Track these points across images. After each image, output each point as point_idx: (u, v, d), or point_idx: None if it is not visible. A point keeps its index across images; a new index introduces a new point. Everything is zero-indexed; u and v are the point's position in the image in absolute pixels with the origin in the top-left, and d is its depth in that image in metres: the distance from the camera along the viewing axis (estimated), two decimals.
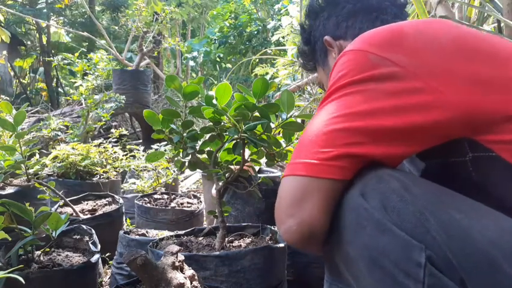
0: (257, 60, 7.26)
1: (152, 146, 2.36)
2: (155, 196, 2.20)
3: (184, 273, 0.96)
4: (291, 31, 4.38)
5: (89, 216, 1.87)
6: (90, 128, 3.10)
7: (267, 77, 3.65)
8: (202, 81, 1.17)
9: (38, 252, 1.33)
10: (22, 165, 1.65)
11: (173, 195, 2.24)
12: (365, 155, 0.64)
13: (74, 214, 1.85)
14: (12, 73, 9.28)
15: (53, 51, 8.86)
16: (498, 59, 0.66)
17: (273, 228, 1.37)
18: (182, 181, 3.48)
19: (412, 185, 0.63)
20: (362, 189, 0.64)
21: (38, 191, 1.84)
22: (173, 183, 2.63)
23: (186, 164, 1.26)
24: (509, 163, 0.62)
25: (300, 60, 1.16)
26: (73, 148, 2.38)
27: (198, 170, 1.29)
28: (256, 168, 1.70)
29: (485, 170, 0.64)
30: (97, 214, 1.91)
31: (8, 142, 1.91)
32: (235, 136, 1.12)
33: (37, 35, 9.39)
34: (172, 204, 2.11)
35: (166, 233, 1.46)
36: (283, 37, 4.63)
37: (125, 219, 2.04)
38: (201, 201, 2.20)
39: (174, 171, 2.48)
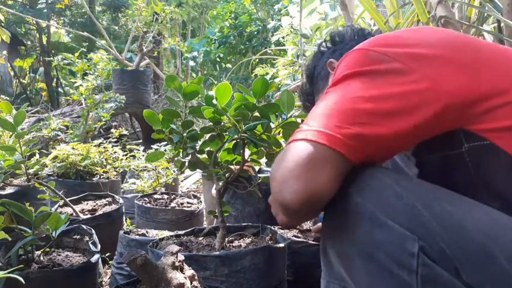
0: (257, 60, 7.26)
1: (152, 146, 2.36)
2: (155, 196, 2.20)
3: (184, 273, 0.96)
4: (291, 31, 4.38)
5: (89, 216, 1.87)
6: (90, 128, 3.10)
7: (267, 77, 3.65)
8: (202, 81, 1.17)
9: (38, 252, 1.33)
10: (22, 165, 1.65)
11: (173, 195, 2.24)
12: (375, 135, 0.66)
13: (74, 214, 1.85)
14: (12, 73, 9.28)
15: (53, 51, 8.86)
16: (483, 50, 0.71)
17: (273, 228, 1.37)
18: (182, 181, 3.48)
19: (404, 181, 0.66)
20: (355, 187, 0.66)
21: (38, 191, 1.84)
22: (173, 183, 2.63)
23: (186, 164, 1.26)
24: (503, 150, 0.65)
25: (301, 98, 1.21)
26: (73, 148, 2.38)
27: (197, 170, 1.29)
28: (256, 168, 1.70)
29: (481, 159, 0.67)
30: (97, 214, 1.91)
31: (8, 142, 1.91)
32: (235, 136, 1.12)
33: (37, 35, 9.39)
34: (172, 204, 2.11)
35: (166, 233, 1.46)
36: (283, 37, 4.63)
37: (125, 219, 2.04)
38: (201, 201, 2.20)
39: (174, 171, 2.48)
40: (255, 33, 8.70)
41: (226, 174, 1.25)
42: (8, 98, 5.33)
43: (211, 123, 1.16)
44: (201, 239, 1.31)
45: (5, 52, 4.83)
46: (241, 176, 1.25)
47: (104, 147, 2.52)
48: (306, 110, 1.19)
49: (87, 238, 1.52)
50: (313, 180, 0.63)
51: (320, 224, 1.45)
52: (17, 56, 9.40)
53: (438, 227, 0.60)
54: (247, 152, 1.22)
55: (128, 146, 2.72)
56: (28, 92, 9.07)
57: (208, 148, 1.25)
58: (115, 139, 2.89)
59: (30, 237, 1.22)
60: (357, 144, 0.65)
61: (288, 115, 1.10)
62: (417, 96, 0.65)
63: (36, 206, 1.36)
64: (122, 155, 2.57)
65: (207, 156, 1.26)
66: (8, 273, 0.91)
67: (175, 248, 0.98)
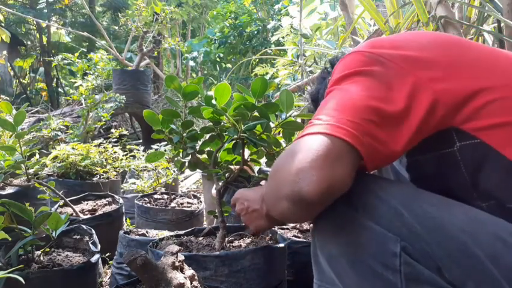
0: (257, 60, 7.26)
1: (152, 146, 2.36)
2: (155, 196, 2.20)
3: (184, 273, 0.96)
4: (291, 31, 4.38)
5: (89, 216, 1.87)
6: (90, 128, 3.10)
7: (267, 77, 3.65)
8: (201, 81, 1.17)
9: (38, 252, 1.33)
10: (22, 165, 1.65)
11: (173, 195, 2.24)
12: (383, 139, 0.66)
13: (74, 214, 1.85)
14: (12, 73, 9.28)
15: (53, 51, 8.86)
16: (470, 51, 0.74)
17: (273, 228, 1.37)
18: (182, 181, 3.48)
19: (387, 185, 0.69)
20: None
21: (38, 191, 1.84)
22: (173, 183, 2.63)
23: (186, 164, 1.26)
24: (493, 148, 0.66)
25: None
26: (73, 148, 2.38)
27: (197, 170, 1.29)
28: (256, 168, 1.70)
29: (472, 158, 0.68)
30: (97, 214, 1.91)
31: (8, 142, 1.91)
32: (235, 136, 1.12)
33: (37, 35, 9.39)
34: (172, 204, 2.11)
35: (166, 233, 1.46)
36: (283, 37, 4.63)
37: (125, 219, 2.04)
38: (201, 201, 2.20)
39: (174, 171, 2.48)
40: (255, 33, 8.70)
41: (226, 174, 1.25)
42: (8, 98, 5.33)
43: (211, 123, 1.16)
44: (201, 239, 1.31)
45: (5, 52, 4.83)
46: (241, 176, 1.25)
47: (104, 147, 2.52)
48: None
49: (87, 238, 1.52)
50: (333, 172, 0.62)
51: None
52: (17, 56, 9.40)
53: (420, 228, 0.62)
54: (247, 152, 1.22)
55: (128, 146, 2.72)
56: (28, 92, 9.07)
57: (208, 148, 1.25)
58: (115, 139, 2.89)
59: (30, 237, 1.22)
60: (368, 141, 0.65)
61: (288, 115, 1.10)
62: (411, 97, 0.67)
63: (36, 206, 1.36)
64: (122, 155, 2.57)
65: (206, 156, 1.26)
66: (8, 273, 0.91)
67: (175, 248, 0.98)
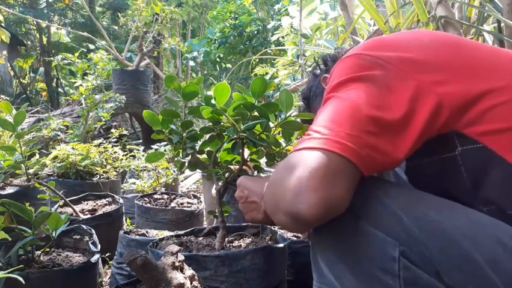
0: (257, 60, 7.26)
1: (152, 146, 2.36)
2: (155, 196, 2.20)
3: (184, 273, 0.96)
4: (291, 31, 4.38)
5: (89, 216, 1.87)
6: (90, 128, 3.10)
7: (267, 77, 3.65)
8: (201, 81, 1.17)
9: (38, 252, 1.33)
10: (22, 165, 1.65)
11: (173, 195, 2.24)
12: (383, 149, 0.65)
13: (74, 214, 1.85)
14: (12, 73, 9.28)
15: (53, 51, 8.87)
16: (472, 52, 0.72)
17: (273, 228, 1.37)
18: (182, 181, 3.48)
19: (386, 189, 0.68)
20: None
21: (38, 191, 1.84)
22: (173, 183, 2.63)
23: (186, 164, 1.26)
24: (495, 153, 0.65)
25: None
26: (73, 148, 2.38)
27: (197, 170, 1.29)
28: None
29: (474, 163, 0.67)
30: (97, 214, 1.91)
31: (8, 142, 1.91)
32: (234, 136, 1.12)
33: (37, 35, 9.40)
34: (172, 204, 2.11)
35: (166, 233, 1.46)
36: (283, 37, 4.63)
37: (125, 219, 2.04)
38: (201, 201, 2.20)
39: (174, 171, 2.48)
40: (255, 33, 8.70)
41: (226, 174, 1.25)
42: (8, 98, 5.33)
43: (210, 124, 1.16)
44: (201, 239, 1.31)
45: (5, 52, 4.83)
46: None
47: (104, 147, 2.52)
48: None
49: (87, 238, 1.52)
50: (332, 192, 0.61)
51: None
52: (17, 56, 9.41)
53: (418, 232, 0.61)
54: (246, 152, 1.22)
55: (128, 146, 2.72)
56: (28, 92, 9.07)
57: (207, 148, 1.25)
58: (115, 139, 2.89)
59: (30, 237, 1.22)
60: (367, 153, 0.64)
61: (287, 114, 1.10)
62: (413, 101, 0.65)
63: (36, 206, 1.36)
64: (122, 155, 2.57)
65: (206, 156, 1.26)
66: (8, 273, 0.91)
67: (175, 248, 0.98)
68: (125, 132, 3.10)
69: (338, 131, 0.64)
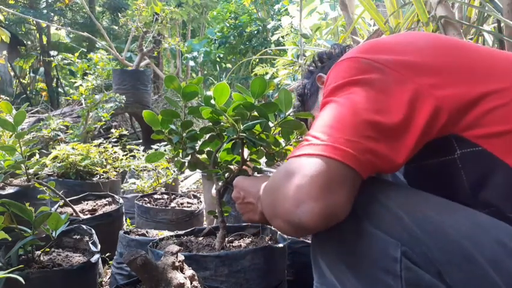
0: (257, 60, 7.26)
1: (152, 146, 2.36)
2: (155, 196, 2.20)
3: (184, 273, 0.96)
4: (291, 31, 4.38)
5: (89, 216, 1.87)
6: (90, 128, 3.10)
7: (267, 77, 3.65)
8: (201, 81, 1.17)
9: (38, 252, 1.33)
10: (22, 165, 1.65)
11: (173, 195, 2.24)
12: (383, 153, 0.64)
13: (74, 214, 1.85)
14: (12, 73, 9.28)
15: (53, 56, 8.87)
16: (470, 54, 0.72)
17: (273, 228, 1.37)
18: (182, 181, 3.48)
19: (387, 190, 0.67)
20: None
21: (38, 191, 1.84)
22: (173, 183, 2.63)
23: (186, 164, 1.26)
24: (495, 156, 0.65)
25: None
26: (73, 148, 2.38)
27: (197, 170, 1.29)
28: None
29: (473, 166, 0.67)
30: (97, 214, 1.91)
31: (8, 142, 1.91)
32: (234, 136, 1.12)
33: (37, 35, 9.40)
34: (172, 204, 2.11)
35: (166, 233, 1.46)
36: (283, 37, 4.63)
37: (125, 219, 2.04)
38: (201, 201, 2.20)
39: (174, 171, 2.48)
40: (255, 33, 8.70)
41: (226, 174, 1.25)
42: (8, 98, 5.32)
43: (210, 124, 1.16)
44: (201, 239, 1.31)
45: (5, 52, 4.82)
46: None
47: (104, 147, 2.52)
48: None
49: (87, 238, 1.52)
50: (333, 202, 0.60)
51: None
52: (17, 56, 9.41)
53: (420, 232, 0.61)
54: (246, 152, 1.22)
55: (128, 146, 2.72)
56: (28, 92, 9.07)
57: (207, 148, 1.25)
58: (115, 139, 2.89)
59: (30, 237, 1.22)
60: (367, 159, 0.63)
61: (286, 113, 1.10)
62: (412, 105, 0.65)
63: (36, 206, 1.36)
64: (122, 155, 2.57)
65: (206, 156, 1.26)
66: (8, 273, 0.91)
67: (175, 248, 0.98)
68: (125, 132, 3.10)
69: (337, 136, 0.63)
